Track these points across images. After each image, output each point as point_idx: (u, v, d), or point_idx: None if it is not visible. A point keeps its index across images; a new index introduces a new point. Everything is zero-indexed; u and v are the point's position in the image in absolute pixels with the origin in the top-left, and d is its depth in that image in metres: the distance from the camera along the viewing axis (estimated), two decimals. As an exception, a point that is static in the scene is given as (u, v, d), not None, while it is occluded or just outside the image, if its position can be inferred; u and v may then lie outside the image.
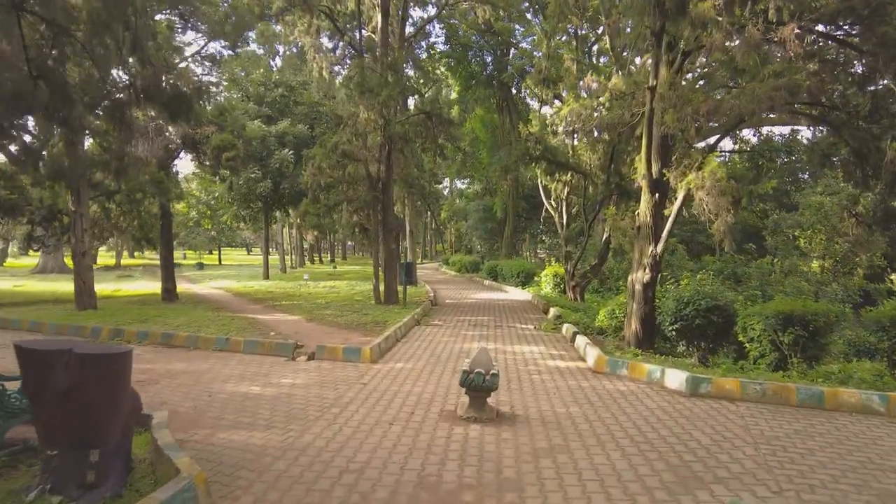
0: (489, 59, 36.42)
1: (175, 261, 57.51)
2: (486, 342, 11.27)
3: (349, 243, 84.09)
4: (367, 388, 7.52)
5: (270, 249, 75.30)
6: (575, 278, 19.32)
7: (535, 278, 23.94)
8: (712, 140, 12.44)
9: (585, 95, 13.76)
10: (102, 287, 25.92)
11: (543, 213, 22.19)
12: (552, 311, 15.50)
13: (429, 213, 59.98)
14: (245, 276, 34.89)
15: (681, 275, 14.17)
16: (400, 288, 17.83)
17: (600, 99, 12.16)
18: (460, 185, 65.38)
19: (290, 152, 26.35)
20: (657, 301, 11.44)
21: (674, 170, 10.84)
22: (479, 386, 6.00)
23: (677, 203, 10.72)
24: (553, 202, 20.58)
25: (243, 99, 28.17)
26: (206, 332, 11.37)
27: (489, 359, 6.19)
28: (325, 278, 32.07)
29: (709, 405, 6.92)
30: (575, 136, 18.69)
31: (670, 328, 10.32)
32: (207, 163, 18.40)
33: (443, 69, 37.96)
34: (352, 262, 63.47)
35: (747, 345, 9.76)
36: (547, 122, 15.73)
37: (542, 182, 20.58)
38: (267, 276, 32.27)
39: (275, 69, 31.85)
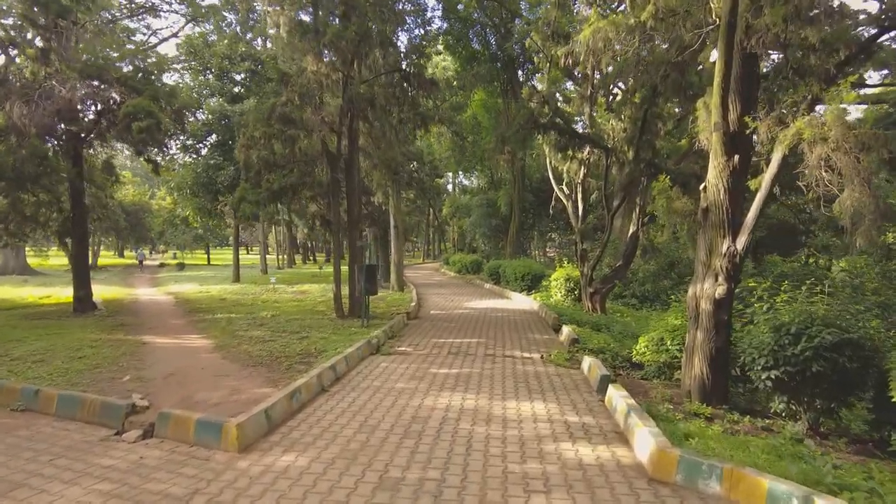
0: (492, 38, 32.21)
1: (163, 261, 53.95)
2: (465, 390, 7.15)
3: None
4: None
5: (253, 248, 70.76)
6: (593, 283, 15.16)
7: (544, 282, 19.76)
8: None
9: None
10: (33, 292, 22.18)
11: (553, 203, 18.03)
12: (565, 329, 11.36)
13: (430, 209, 55.88)
14: (218, 278, 31.05)
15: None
16: (380, 295, 13.75)
17: (641, 17, 8.00)
18: (466, 181, 61.29)
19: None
20: (736, 330, 7.34)
21: (765, 116, 6.68)
22: None
23: (772, 168, 6.53)
24: (565, 188, 16.40)
25: (201, 70, 24.22)
26: (27, 374, 7.36)
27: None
28: (305, 280, 28.15)
29: None
30: (593, 98, 14.55)
31: (763, 375, 6.18)
32: (110, 134, 14.39)
33: (440, 46, 33.77)
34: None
35: (910, 410, 5.60)
36: (558, 59, 11.44)
37: (550, 162, 16.40)
38: (237, 279, 28.45)
39: (251, 40, 27.66)
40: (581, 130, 14.55)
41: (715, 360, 6.89)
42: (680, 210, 8.06)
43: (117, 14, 37.65)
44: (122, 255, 70.02)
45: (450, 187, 61.26)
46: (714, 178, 6.96)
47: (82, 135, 14.61)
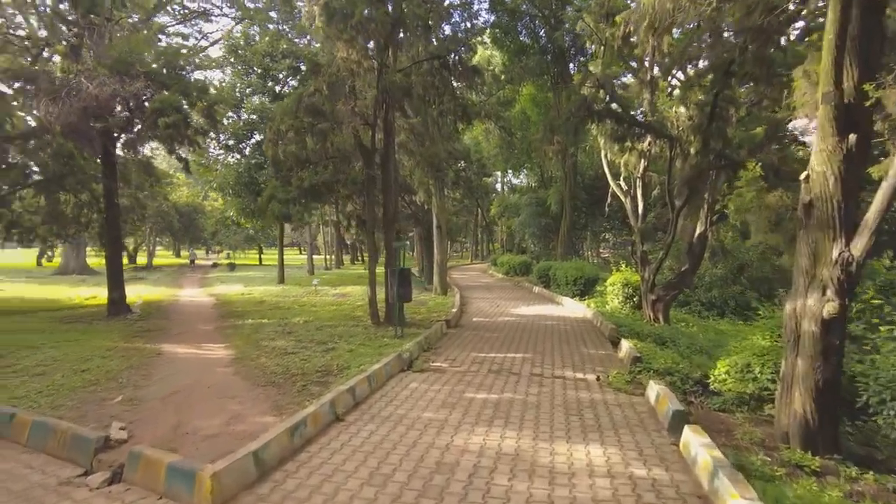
0: (542, 30, 30.71)
1: (217, 261, 55.08)
2: (504, 425, 5.94)
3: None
4: None
5: (305, 248, 71.53)
6: (655, 290, 13.61)
7: (598, 287, 18.25)
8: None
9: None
10: (81, 292, 22.34)
11: (609, 200, 16.50)
12: (625, 344, 9.94)
13: (478, 209, 54.69)
14: (265, 279, 30.85)
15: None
16: (422, 298, 12.74)
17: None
18: (515, 180, 59.72)
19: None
20: (852, 359, 5.88)
21: (894, 82, 5.19)
22: None
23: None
24: (622, 183, 14.87)
25: (244, 71, 23.85)
26: (17, 392, 6.64)
27: None
28: (349, 282, 27.48)
29: None
30: (654, 84, 13.04)
31: (896, 420, 4.71)
32: (142, 131, 13.85)
33: (487, 40, 32.47)
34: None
35: None
36: (613, 41, 10.04)
37: (606, 155, 14.92)
38: (282, 280, 28.11)
39: (293, 37, 27.11)
40: (640, 119, 13.03)
41: (822, 395, 5.43)
42: (774, 205, 6.57)
43: (170, 20, 38.23)
44: (178, 255, 72.15)
45: (498, 186, 59.89)
46: (820, 165, 5.49)
47: (114, 133, 14.20)
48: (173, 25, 41.10)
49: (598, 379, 8.30)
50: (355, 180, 12.61)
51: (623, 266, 16.46)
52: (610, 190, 15.63)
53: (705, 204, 13.35)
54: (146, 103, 13.92)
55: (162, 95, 12.62)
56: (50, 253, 53.76)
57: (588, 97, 11.36)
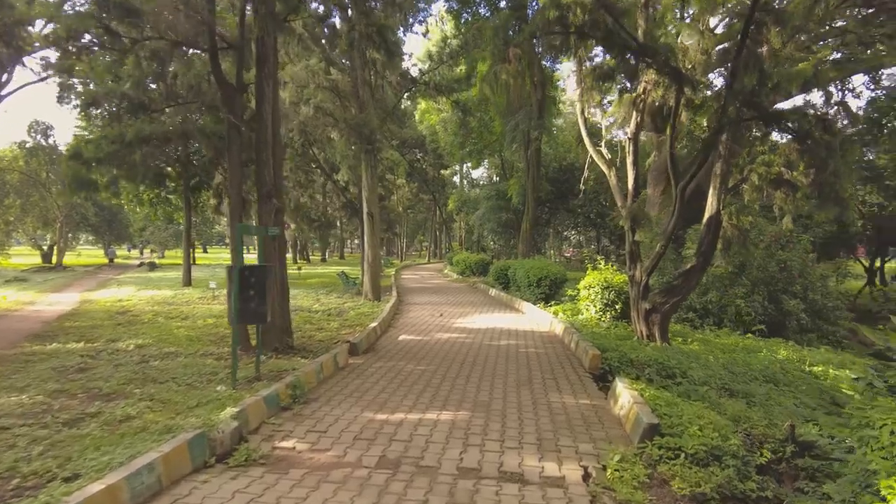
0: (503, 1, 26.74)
1: (147, 260, 49.20)
2: None
3: (356, 240, 74.38)
4: None
5: (251, 247, 66.00)
6: (650, 296, 9.72)
7: (568, 290, 14.32)
8: None
9: None
10: None
11: (586, 174, 12.47)
12: (625, 392, 5.84)
13: (435, 205, 50.54)
14: (173, 281, 25.78)
15: None
16: (346, 306, 8.45)
17: None
18: (475, 173, 55.79)
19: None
20: None
21: None
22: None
23: None
24: (605, 150, 10.86)
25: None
26: None
27: None
28: (273, 284, 22.91)
29: None
30: (651, 3, 9.18)
31: None
32: None
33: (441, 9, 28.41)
34: (351, 261, 53.51)
35: None
36: None
37: (583, 111, 10.89)
38: (189, 282, 23.32)
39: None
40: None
41: None
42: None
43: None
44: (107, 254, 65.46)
45: (456, 180, 55.87)
46: None
47: None
48: None
49: (585, 476, 4.22)
50: (206, 132, 8.23)
51: (602, 264, 12.52)
52: (587, 161, 11.60)
53: (719, 174, 9.56)
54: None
55: None
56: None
57: (564, 3, 7.30)
